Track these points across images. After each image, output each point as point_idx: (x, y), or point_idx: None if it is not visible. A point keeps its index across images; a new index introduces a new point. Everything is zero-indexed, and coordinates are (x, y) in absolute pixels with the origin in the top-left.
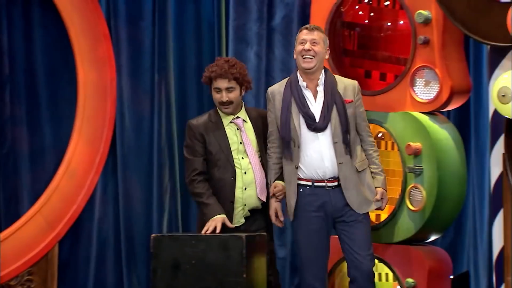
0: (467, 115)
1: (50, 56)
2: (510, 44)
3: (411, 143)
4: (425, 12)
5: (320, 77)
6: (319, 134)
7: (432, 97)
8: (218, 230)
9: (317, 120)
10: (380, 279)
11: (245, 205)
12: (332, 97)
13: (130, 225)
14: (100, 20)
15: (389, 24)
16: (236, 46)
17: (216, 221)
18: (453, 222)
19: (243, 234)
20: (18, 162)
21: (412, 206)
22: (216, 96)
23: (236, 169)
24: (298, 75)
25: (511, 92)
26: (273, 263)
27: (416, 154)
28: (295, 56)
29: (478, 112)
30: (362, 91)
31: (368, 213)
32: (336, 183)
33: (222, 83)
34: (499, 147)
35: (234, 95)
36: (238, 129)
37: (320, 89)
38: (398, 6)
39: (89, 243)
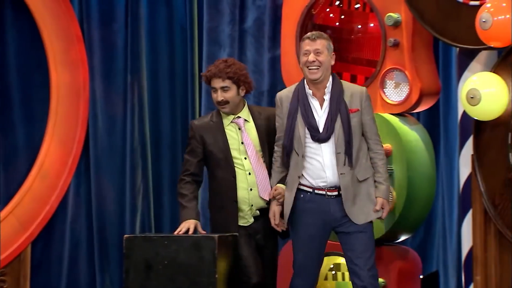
0: (436, 117)
1: (23, 58)
2: (479, 47)
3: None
4: (395, 15)
5: (328, 85)
6: (322, 144)
7: (402, 98)
8: (191, 231)
9: (321, 131)
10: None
11: (252, 205)
12: (337, 107)
13: (103, 225)
14: (72, 22)
15: (359, 26)
16: (209, 48)
17: (189, 223)
18: (423, 222)
19: (215, 235)
20: None
21: None
22: (213, 96)
23: (240, 170)
24: (305, 82)
25: (480, 94)
26: (275, 267)
27: (386, 155)
28: (300, 66)
29: (447, 114)
30: None
31: (371, 222)
32: (336, 193)
33: (218, 83)
34: (468, 148)
35: (230, 94)
36: (239, 129)
37: (327, 97)
38: (369, 8)
39: (61, 243)
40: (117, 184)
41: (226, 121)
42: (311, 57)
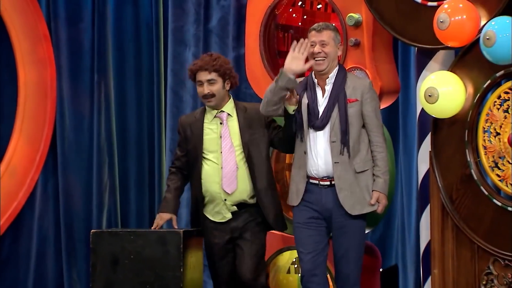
0: (396, 115)
1: None
2: (437, 46)
3: None
4: (355, 15)
5: (331, 75)
6: (318, 133)
7: None
8: (157, 226)
9: (318, 118)
10: None
11: (225, 200)
12: (336, 96)
13: (70, 221)
14: (40, 22)
15: None
16: (174, 48)
17: (162, 218)
18: (382, 217)
19: (181, 229)
20: None
21: None
22: (199, 90)
23: (214, 164)
24: (313, 72)
25: (438, 92)
26: (262, 269)
27: None
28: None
29: (406, 112)
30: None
31: (360, 219)
32: (328, 183)
33: (204, 76)
34: (426, 145)
35: (216, 87)
36: (221, 124)
37: (328, 87)
38: (330, 9)
39: (29, 239)
40: (84, 181)
41: (210, 116)
42: (317, 49)
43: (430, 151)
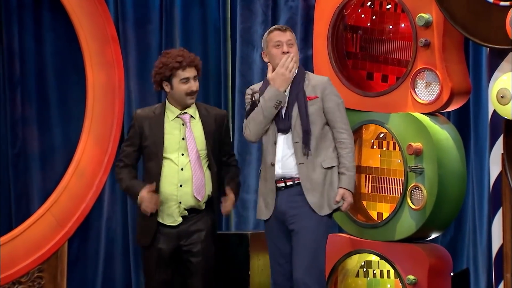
0: (467, 116)
1: (60, 59)
2: (509, 47)
3: (412, 143)
4: (426, 16)
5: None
6: (280, 136)
7: (433, 98)
8: (154, 209)
9: (281, 121)
10: (382, 276)
11: (180, 202)
12: (295, 96)
13: None
14: (108, 24)
15: (390, 27)
16: (242, 49)
17: (148, 192)
18: (453, 220)
19: (248, 232)
20: (29, 161)
21: (413, 205)
22: (185, 86)
23: (173, 165)
24: None
25: (510, 93)
26: (209, 278)
27: (417, 154)
28: (266, 60)
29: (477, 113)
30: (364, 92)
31: (315, 220)
32: (283, 184)
33: (192, 72)
34: (498, 147)
35: (198, 84)
36: (183, 125)
37: (288, 88)
38: (400, 9)
39: (97, 240)
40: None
41: (171, 115)
42: (285, 48)
43: (502, 153)
